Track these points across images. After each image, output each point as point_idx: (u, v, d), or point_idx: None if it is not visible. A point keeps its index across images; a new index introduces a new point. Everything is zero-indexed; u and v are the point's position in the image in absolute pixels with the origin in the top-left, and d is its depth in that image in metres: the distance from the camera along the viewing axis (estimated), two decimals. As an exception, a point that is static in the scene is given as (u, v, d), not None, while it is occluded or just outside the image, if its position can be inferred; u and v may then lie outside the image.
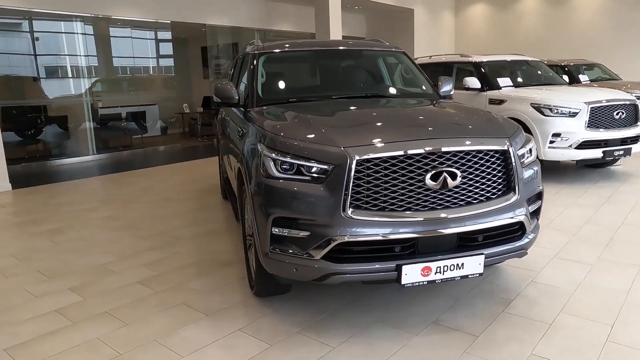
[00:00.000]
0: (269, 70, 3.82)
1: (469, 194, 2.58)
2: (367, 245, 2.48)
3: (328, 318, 2.85)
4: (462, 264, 2.55)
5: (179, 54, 13.99)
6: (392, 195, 2.47)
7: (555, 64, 9.91)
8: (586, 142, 5.89)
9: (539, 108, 6.12)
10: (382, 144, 2.48)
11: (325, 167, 2.47)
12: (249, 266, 3.31)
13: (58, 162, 9.07)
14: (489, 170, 2.63)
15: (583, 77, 9.95)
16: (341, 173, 2.43)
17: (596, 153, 5.92)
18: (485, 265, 2.62)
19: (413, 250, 2.54)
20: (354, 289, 3.18)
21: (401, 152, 2.46)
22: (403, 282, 2.48)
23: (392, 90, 3.93)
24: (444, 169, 2.50)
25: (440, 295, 3.10)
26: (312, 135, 2.63)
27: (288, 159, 2.54)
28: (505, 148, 2.64)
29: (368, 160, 2.45)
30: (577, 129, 5.87)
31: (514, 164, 2.67)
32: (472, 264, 2.56)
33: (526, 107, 6.22)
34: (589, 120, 5.86)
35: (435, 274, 2.51)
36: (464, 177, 2.55)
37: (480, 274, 2.60)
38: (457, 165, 2.53)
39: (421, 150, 2.47)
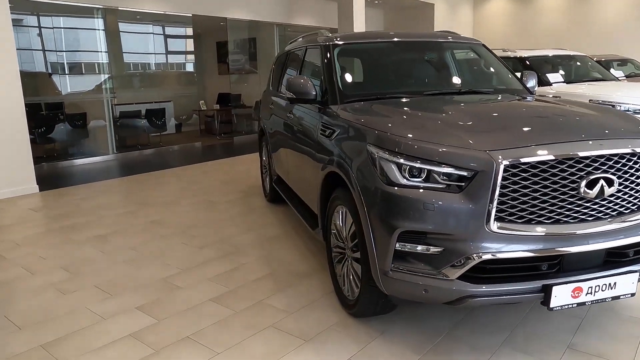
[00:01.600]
0: (344, 63, 3.48)
1: (622, 202, 2.26)
2: (511, 263, 2.15)
3: (446, 341, 2.52)
4: (614, 284, 2.22)
5: (194, 49, 13.61)
6: (541, 205, 2.14)
7: (588, 59, 9.59)
8: (651, 140, 5.57)
9: (598, 105, 5.80)
10: (533, 147, 2.15)
11: (465, 173, 2.13)
12: (336, 281, 2.99)
13: (79, 161, 8.70)
14: (641, 175, 2.30)
15: (617, 73, 9.64)
16: (485, 180, 2.10)
17: (661, 152, 5.60)
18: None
19: (558, 268, 2.22)
20: (457, 307, 2.85)
21: (555, 156, 2.12)
22: (552, 305, 2.15)
23: (485, 86, 3.58)
24: (599, 175, 2.17)
25: (557, 314, 2.78)
26: (442, 136, 2.29)
27: (418, 164, 2.20)
28: (659, 150, 2.32)
29: (515, 166, 2.11)
30: (642, 127, 5.55)
31: (666, 168, 2.34)
32: (625, 283, 2.24)
33: (583, 103, 5.89)
34: (655, 117, 5.54)
35: (586, 295, 2.19)
36: (618, 184, 2.22)
37: (633, 294, 2.28)
38: (612, 170, 2.20)
39: (577, 154, 2.14)
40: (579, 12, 13.58)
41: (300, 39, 4.66)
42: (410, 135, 2.31)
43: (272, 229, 4.44)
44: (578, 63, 7.72)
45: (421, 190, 2.19)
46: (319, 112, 3.25)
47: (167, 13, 9.63)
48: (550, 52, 7.72)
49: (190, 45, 12.87)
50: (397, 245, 2.24)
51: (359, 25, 10.58)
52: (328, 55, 3.45)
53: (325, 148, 2.99)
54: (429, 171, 2.19)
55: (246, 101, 12.87)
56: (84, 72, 10.11)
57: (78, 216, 5.11)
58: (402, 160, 2.24)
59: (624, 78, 9.41)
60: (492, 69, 3.76)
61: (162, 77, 12.87)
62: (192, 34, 12.08)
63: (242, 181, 6.54)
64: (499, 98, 3.24)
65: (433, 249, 2.19)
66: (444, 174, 2.17)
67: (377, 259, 2.33)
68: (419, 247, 2.22)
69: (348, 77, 3.38)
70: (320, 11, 12.66)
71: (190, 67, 13.78)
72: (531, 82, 3.75)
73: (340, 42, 3.53)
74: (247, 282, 3.33)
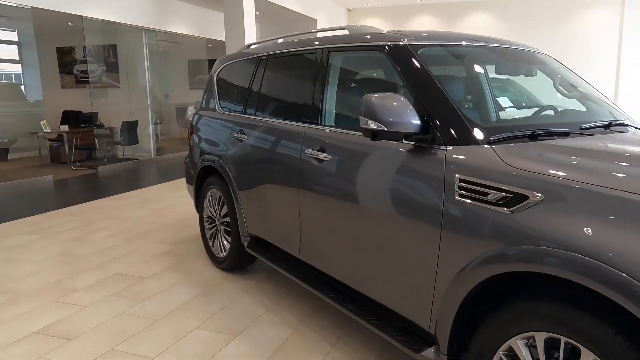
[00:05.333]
0: (442, 79, 2.21)
1: None
2: None
3: None
4: None
5: (26, 54, 10.64)
6: None
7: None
8: None
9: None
10: None
11: None
12: None
13: None
14: None
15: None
16: None
17: None
18: None
19: None
20: None
21: None
22: None
23: (620, 116, 2.59)
24: None
25: None
26: None
27: None
28: None
29: None
30: None
31: None
32: None
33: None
34: None
35: None
36: None
37: None
38: None
39: None
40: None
41: (288, 39, 3.23)
42: None
43: (269, 327, 2.86)
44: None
45: None
46: (428, 154, 1.93)
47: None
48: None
49: (21, 48, 9.95)
50: None
51: (250, 36, 9.30)
52: (415, 63, 2.13)
53: (484, 226, 1.68)
54: None
55: (107, 121, 10.42)
56: None
57: None
58: None
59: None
60: (579, 91, 2.84)
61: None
62: (29, 33, 9.28)
63: (157, 235, 4.65)
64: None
65: None
66: None
67: None
68: None
69: (468, 100, 2.12)
70: (200, 19, 10.95)
71: (19, 78, 10.75)
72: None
73: (422, 43, 2.25)
74: None
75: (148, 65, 10.15)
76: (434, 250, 1.87)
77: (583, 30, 12.19)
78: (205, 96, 4.07)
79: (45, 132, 9.61)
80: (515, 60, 2.57)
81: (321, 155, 2.47)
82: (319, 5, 13.14)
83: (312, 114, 2.66)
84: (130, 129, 9.79)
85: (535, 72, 2.61)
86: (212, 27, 11.60)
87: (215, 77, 3.94)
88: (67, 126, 9.85)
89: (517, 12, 13.14)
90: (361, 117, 1.97)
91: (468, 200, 1.75)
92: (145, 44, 10.02)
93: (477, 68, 2.50)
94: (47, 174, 8.12)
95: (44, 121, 9.72)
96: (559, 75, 2.77)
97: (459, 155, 1.83)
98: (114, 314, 3.02)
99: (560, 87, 2.88)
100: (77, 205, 6.02)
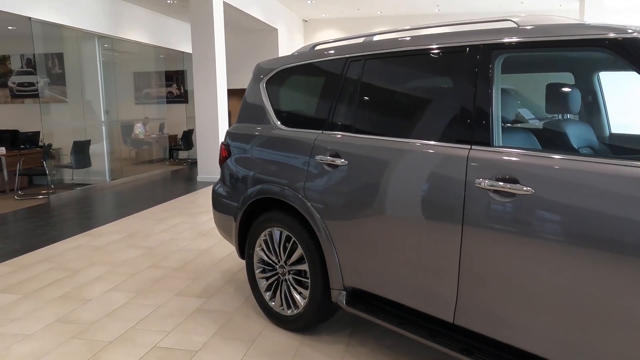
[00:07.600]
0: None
1: None
2: None
3: None
4: None
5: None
6: None
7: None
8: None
9: None
10: None
11: None
12: None
13: None
14: None
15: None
16: None
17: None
18: None
19: None
20: None
21: None
22: None
23: None
24: None
25: None
26: None
27: None
28: None
29: None
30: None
31: None
32: None
33: None
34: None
35: None
36: None
37: None
38: None
39: None
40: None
41: (393, 36, 2.55)
42: None
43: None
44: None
45: None
46: None
47: None
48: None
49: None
50: None
51: (220, 46, 8.55)
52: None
53: None
54: None
55: (51, 141, 9.02)
56: None
57: None
58: None
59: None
60: None
61: None
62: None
63: (172, 285, 3.72)
64: None
65: None
66: None
67: None
68: None
69: None
70: (160, 28, 9.92)
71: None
72: None
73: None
74: None
75: (101, 76, 8.93)
76: None
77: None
78: (245, 108, 3.28)
79: (-23, 156, 8.10)
80: None
81: (512, 188, 1.81)
82: (279, 15, 12.53)
83: (475, 132, 2.00)
84: (82, 149, 8.49)
85: None
86: (166, 35, 10.58)
87: (264, 85, 3.17)
88: (4, 148, 8.38)
89: (477, 23, 13.27)
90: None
91: None
92: (99, 53, 8.81)
93: None
94: (-12, 208, 6.73)
95: (-25, 143, 8.21)
96: None
97: None
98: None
99: None
100: (47, 248, 4.87)
